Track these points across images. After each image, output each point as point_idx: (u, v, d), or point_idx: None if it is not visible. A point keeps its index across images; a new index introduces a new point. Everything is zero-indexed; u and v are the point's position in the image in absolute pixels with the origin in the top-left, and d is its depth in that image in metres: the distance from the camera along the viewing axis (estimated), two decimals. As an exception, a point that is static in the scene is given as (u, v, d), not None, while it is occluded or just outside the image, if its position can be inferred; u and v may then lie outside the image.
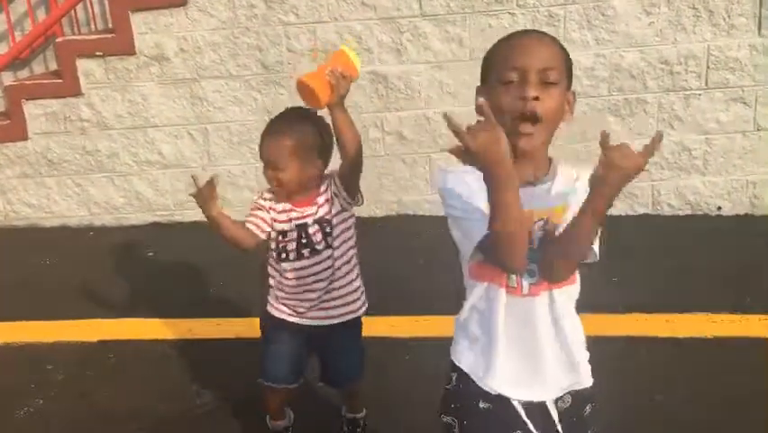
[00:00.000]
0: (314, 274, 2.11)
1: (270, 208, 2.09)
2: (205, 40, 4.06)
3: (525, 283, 1.47)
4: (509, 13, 3.91)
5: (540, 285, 1.47)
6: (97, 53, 4.09)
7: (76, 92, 4.14)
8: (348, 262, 2.15)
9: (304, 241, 2.08)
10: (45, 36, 4.70)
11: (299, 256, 2.10)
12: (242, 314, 3.16)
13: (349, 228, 2.14)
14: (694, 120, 4.01)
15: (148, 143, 4.24)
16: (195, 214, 4.31)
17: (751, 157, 4.03)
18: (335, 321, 2.16)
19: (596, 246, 1.43)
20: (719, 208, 4.12)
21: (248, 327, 3.09)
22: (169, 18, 4.04)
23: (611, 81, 3.98)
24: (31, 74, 5.15)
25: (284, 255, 2.11)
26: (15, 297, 3.49)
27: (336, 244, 2.11)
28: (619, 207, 4.13)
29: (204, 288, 3.52)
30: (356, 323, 2.23)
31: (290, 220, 2.08)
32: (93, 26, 5.16)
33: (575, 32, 3.91)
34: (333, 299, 2.14)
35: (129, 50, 4.07)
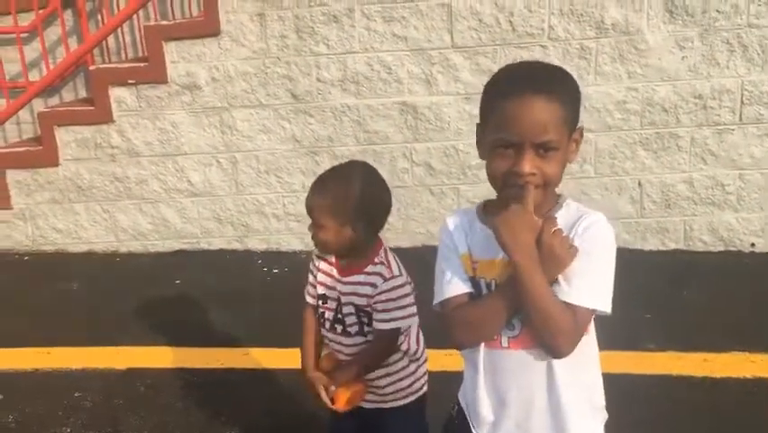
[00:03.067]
0: (347, 355, 1.93)
1: (318, 269, 1.96)
2: (236, 69, 4.09)
3: (504, 337, 1.40)
4: (540, 45, 3.90)
5: (520, 340, 1.39)
6: (130, 81, 4.13)
7: (107, 119, 4.18)
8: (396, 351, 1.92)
9: (339, 316, 1.91)
10: (76, 64, 4.76)
11: (332, 329, 1.94)
12: (271, 344, 3.13)
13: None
14: (728, 155, 3.96)
15: (177, 171, 4.26)
16: (221, 242, 4.34)
17: (786, 193, 3.97)
18: (381, 406, 1.96)
19: (604, 301, 1.35)
20: (753, 245, 4.04)
21: (276, 358, 3.07)
22: (202, 48, 4.07)
23: (643, 115, 3.94)
24: (60, 101, 5.23)
25: (322, 320, 1.96)
26: (43, 323, 3.49)
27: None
28: (651, 243, 4.08)
29: (231, 316, 3.49)
30: (407, 410, 1.98)
31: (330, 288, 1.91)
32: (124, 55, 5.24)
33: (607, 66, 3.90)
34: (371, 380, 1.93)
35: (161, 79, 4.10)
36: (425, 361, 2.02)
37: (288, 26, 4.01)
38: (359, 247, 1.88)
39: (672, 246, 4.09)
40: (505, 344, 1.41)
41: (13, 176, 4.31)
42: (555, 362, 1.38)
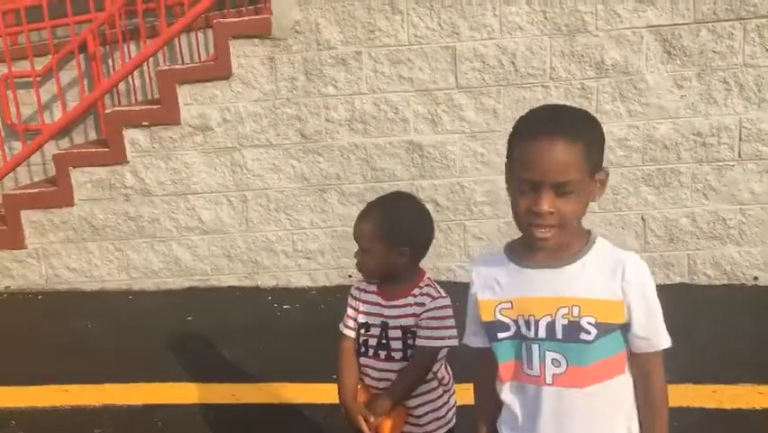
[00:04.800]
0: (385, 383, 1.96)
1: (360, 299, 2.03)
2: (247, 110, 4.20)
3: (549, 373, 1.45)
4: (543, 85, 4.03)
5: (566, 378, 1.44)
6: (144, 123, 4.24)
7: (122, 160, 4.28)
8: (432, 379, 1.98)
9: (384, 342, 1.96)
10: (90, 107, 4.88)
11: (376, 355, 1.98)
12: (285, 378, 3.18)
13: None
14: (728, 191, 4.05)
15: (188, 210, 4.34)
16: (230, 279, 4.40)
17: (786, 227, 4.05)
18: None
19: (660, 333, 1.47)
20: (756, 278, 4.11)
21: (291, 392, 3.12)
22: (214, 90, 4.19)
23: (645, 152, 4.05)
24: (71, 143, 5.35)
25: (363, 349, 2.00)
26: (60, 361, 3.54)
27: None
28: (657, 277, 4.13)
29: (243, 351, 3.54)
30: None
31: (374, 315, 1.97)
32: (133, 97, 5.37)
33: (608, 105, 4.01)
34: (410, 408, 1.97)
35: (174, 121, 4.21)
36: (454, 392, 2.08)
37: (298, 69, 4.14)
38: (404, 272, 1.97)
39: (678, 280, 4.16)
40: (549, 381, 1.46)
41: (27, 216, 4.39)
42: (600, 398, 1.45)
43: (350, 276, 4.35)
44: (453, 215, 4.23)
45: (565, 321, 1.43)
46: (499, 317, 1.51)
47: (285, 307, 4.15)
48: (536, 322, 1.46)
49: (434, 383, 2.00)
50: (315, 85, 4.15)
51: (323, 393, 3.09)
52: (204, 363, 3.46)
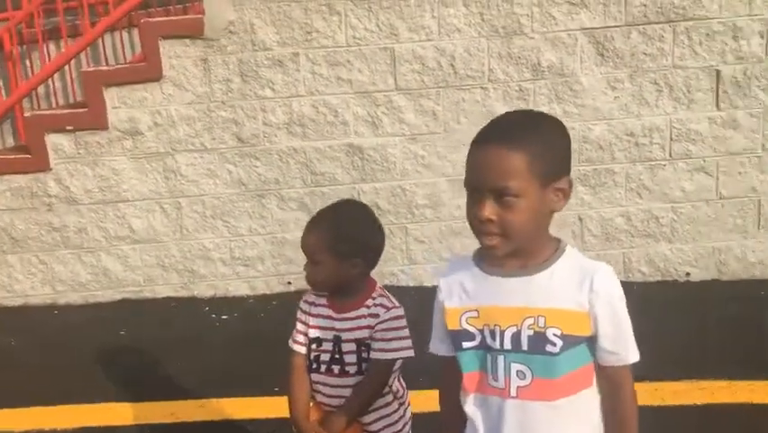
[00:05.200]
0: (338, 399, 1.90)
1: (309, 313, 1.95)
2: (179, 113, 4.04)
3: (514, 386, 1.41)
4: (482, 87, 4.03)
5: (531, 390, 1.40)
6: (68, 128, 4.02)
7: (44, 167, 4.04)
8: (387, 392, 1.92)
9: (337, 356, 1.89)
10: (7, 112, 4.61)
11: (329, 371, 1.91)
12: (227, 393, 3.06)
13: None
14: (660, 189, 4.15)
15: (118, 218, 4.14)
16: (165, 289, 4.23)
17: (715, 225, 4.18)
18: None
19: (629, 347, 1.44)
20: (688, 274, 4.23)
21: (234, 407, 3.00)
22: (143, 93, 4.01)
23: (581, 152, 4.10)
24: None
25: (315, 365, 1.93)
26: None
27: None
28: (593, 275, 4.21)
29: (181, 366, 3.40)
30: None
31: (326, 329, 1.90)
32: (54, 101, 5.10)
33: (544, 106, 4.05)
34: (366, 424, 1.91)
35: (101, 125, 4.01)
36: (409, 404, 2.03)
37: (233, 70, 4.01)
38: (355, 283, 1.90)
39: (613, 278, 4.23)
40: (513, 393, 1.42)
41: (-60, 228, 4.11)
42: (566, 412, 1.41)
43: (289, 283, 4.25)
44: (395, 218, 4.18)
45: (531, 332, 1.39)
46: (465, 325, 1.46)
47: (223, 317, 4.01)
48: (502, 332, 1.42)
49: (389, 397, 1.94)
50: (251, 87, 4.03)
51: (267, 407, 2.99)
52: (139, 381, 3.29)
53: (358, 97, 4.05)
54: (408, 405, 2.04)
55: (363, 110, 4.06)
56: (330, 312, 1.92)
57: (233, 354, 3.54)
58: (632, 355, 1.43)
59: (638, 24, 3.97)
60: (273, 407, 3.01)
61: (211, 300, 4.20)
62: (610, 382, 1.45)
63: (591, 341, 1.42)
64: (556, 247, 1.46)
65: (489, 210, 1.35)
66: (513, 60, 4.01)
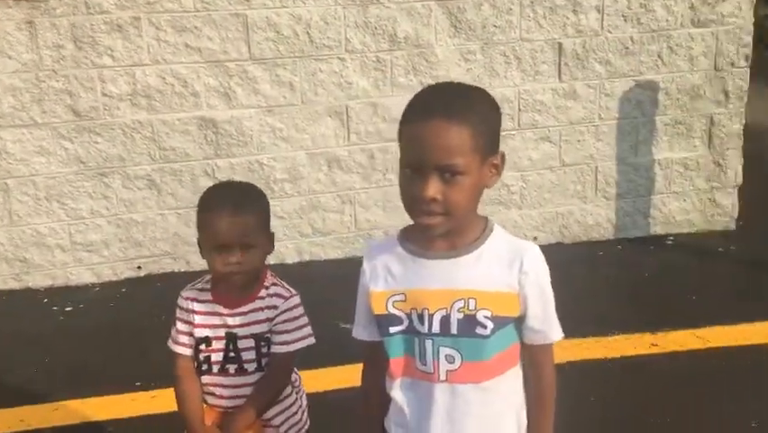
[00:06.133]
0: (235, 400, 1.76)
1: (193, 311, 1.76)
2: (2, 84, 3.57)
3: (443, 370, 1.38)
4: (339, 57, 3.93)
5: (460, 374, 1.38)
6: None
7: None
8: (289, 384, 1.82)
9: (232, 355, 1.74)
10: None
11: (223, 371, 1.76)
12: (82, 392, 2.80)
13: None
14: (511, 158, 4.31)
15: (-69, 204, 3.62)
16: None
17: (559, 191, 4.43)
18: None
19: (554, 325, 1.43)
20: (536, 238, 4.46)
21: (92, 408, 2.75)
22: (-44, 59, 3.51)
23: (437, 123, 4.15)
24: None
25: (206, 367, 1.76)
26: None
27: None
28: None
29: (26, 367, 3.05)
30: None
31: (216, 326, 1.74)
32: None
33: (402, 78, 4.04)
34: (267, 420, 1.81)
35: None
36: (304, 391, 1.93)
37: (64, 36, 3.60)
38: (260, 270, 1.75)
39: (469, 245, 4.37)
40: (443, 377, 1.38)
41: None
42: (494, 392, 1.39)
43: (139, 268, 3.96)
44: (252, 194, 4.00)
45: (461, 315, 1.36)
46: (392, 309, 1.40)
47: (67, 309, 3.64)
48: (431, 316, 1.38)
49: (288, 389, 1.84)
50: (86, 54, 3.64)
51: (129, 405, 2.78)
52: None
53: (209, 67, 3.80)
54: (304, 392, 1.95)
55: (215, 80, 3.82)
56: (219, 308, 1.76)
57: (83, 349, 3.24)
58: (556, 334, 1.44)
59: (488, -3, 4.06)
60: (136, 404, 2.80)
61: (50, 291, 3.81)
62: (533, 360, 1.46)
63: (519, 321, 1.42)
64: (484, 227, 1.42)
65: (434, 189, 1.29)
66: (370, 30, 3.95)
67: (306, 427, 1.91)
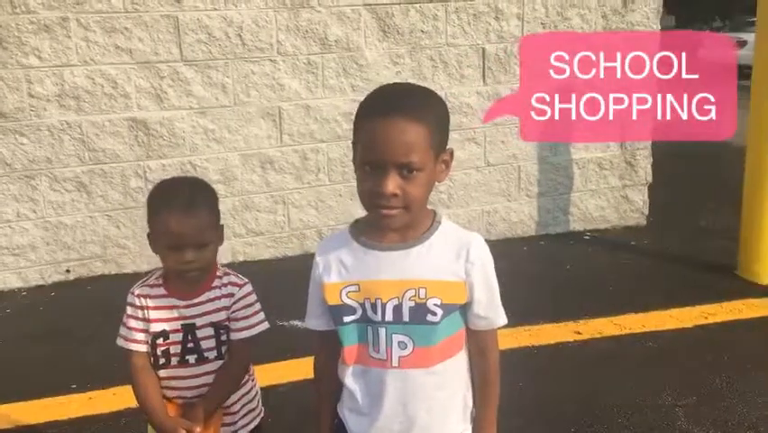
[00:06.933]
0: (196, 390, 1.78)
1: (147, 307, 1.76)
2: None
3: (396, 357, 1.45)
4: (271, 60, 3.99)
5: (411, 359, 1.44)
6: None
7: None
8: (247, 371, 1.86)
9: (191, 345, 1.75)
10: None
11: (184, 362, 1.76)
12: (15, 396, 2.76)
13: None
14: (439, 158, 4.46)
15: None
16: None
17: (484, 189, 4.62)
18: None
19: (498, 312, 1.51)
20: (463, 235, 4.63)
21: (26, 413, 2.72)
22: None
23: (368, 125, 4.26)
24: None
25: (164, 360, 1.76)
26: None
27: None
28: (382, 242, 4.43)
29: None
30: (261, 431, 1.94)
31: (172, 319, 1.75)
32: None
33: (333, 80, 4.13)
34: (226, 407, 1.82)
35: None
36: (257, 380, 1.99)
37: (-12, 35, 3.52)
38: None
39: (399, 243, 4.50)
40: (395, 363, 1.45)
41: None
42: (442, 376, 1.47)
43: (68, 271, 3.89)
44: (184, 195, 4.00)
45: (412, 303, 1.44)
46: (345, 300, 1.47)
47: (-6, 314, 3.55)
48: (383, 305, 1.45)
49: (245, 376, 1.90)
50: (12, 55, 3.57)
51: (67, 408, 2.75)
52: None
53: (140, 68, 3.78)
54: (257, 380, 2.01)
55: (146, 82, 3.81)
56: (174, 301, 1.78)
57: (15, 355, 3.17)
58: (500, 320, 1.53)
59: (416, 2, 4.20)
60: (75, 406, 2.77)
61: (-27, 297, 3.70)
62: (479, 345, 1.54)
63: (465, 307, 1.50)
64: (432, 219, 1.50)
65: (394, 185, 1.35)
66: (301, 33, 4.02)
67: (262, 414, 1.97)
